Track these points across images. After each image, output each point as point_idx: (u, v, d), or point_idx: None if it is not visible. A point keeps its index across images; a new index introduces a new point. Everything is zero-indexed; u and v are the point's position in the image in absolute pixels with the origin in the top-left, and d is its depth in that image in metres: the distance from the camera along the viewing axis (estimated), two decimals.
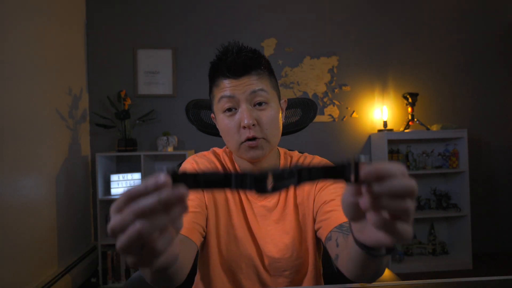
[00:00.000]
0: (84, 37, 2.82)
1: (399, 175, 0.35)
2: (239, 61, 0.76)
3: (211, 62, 0.82)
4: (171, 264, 0.39)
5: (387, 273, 0.86)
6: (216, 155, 0.91)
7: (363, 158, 0.35)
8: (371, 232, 0.39)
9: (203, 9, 2.94)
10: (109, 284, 2.51)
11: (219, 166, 0.88)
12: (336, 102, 3.01)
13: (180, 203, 0.34)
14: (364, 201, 0.36)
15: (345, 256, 0.60)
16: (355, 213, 0.40)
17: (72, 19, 2.64)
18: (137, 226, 0.33)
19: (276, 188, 0.34)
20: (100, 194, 2.53)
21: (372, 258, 0.48)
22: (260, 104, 0.78)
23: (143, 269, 0.53)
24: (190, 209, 0.75)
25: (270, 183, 0.34)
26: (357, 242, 0.46)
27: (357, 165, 0.35)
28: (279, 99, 0.85)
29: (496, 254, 2.98)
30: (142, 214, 0.33)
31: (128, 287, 0.86)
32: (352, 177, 0.35)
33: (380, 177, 0.35)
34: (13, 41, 1.87)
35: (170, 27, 2.91)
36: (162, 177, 0.34)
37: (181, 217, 0.36)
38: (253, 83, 0.77)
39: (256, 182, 0.34)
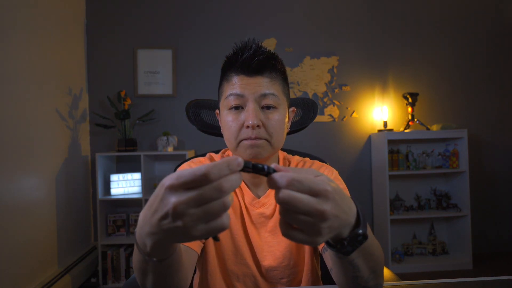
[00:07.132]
0: (84, 37, 2.82)
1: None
2: (255, 59, 0.74)
3: (227, 56, 0.80)
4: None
5: (387, 273, 0.86)
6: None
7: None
8: None
9: (203, 9, 2.94)
10: (109, 284, 2.51)
11: None
12: (336, 102, 3.01)
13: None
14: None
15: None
16: None
17: (72, 19, 2.64)
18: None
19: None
20: (100, 194, 2.53)
21: (339, 256, 0.52)
22: (268, 107, 0.76)
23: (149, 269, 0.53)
24: None
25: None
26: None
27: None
28: (288, 107, 0.83)
29: (496, 254, 2.98)
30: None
31: (128, 287, 0.86)
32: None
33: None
34: (13, 41, 1.87)
35: (170, 27, 2.91)
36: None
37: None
38: (265, 85, 0.75)
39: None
